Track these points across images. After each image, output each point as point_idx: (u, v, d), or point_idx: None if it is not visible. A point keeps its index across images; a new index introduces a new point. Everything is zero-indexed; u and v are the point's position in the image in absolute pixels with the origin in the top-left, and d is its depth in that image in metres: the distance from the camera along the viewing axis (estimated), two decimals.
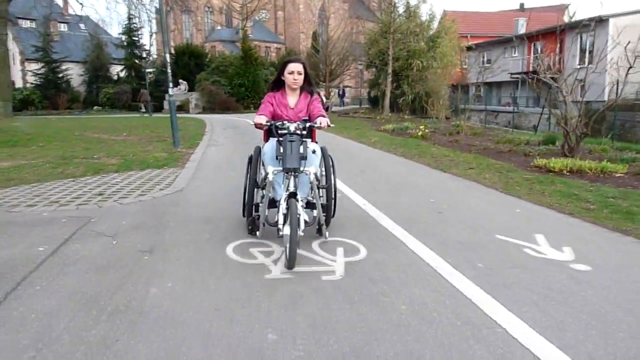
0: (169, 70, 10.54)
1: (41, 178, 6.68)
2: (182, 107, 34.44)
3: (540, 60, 12.75)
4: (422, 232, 4.19)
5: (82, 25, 46.22)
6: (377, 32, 24.97)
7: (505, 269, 3.35)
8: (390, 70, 23.41)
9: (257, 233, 3.88)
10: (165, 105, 39.21)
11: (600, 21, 29.04)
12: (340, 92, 35.42)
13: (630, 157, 8.04)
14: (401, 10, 24.64)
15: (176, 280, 3.10)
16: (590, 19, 32.01)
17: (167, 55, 10.48)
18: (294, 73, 3.92)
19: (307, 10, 65.79)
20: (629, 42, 9.98)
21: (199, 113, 33.06)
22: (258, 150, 4.05)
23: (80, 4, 40.36)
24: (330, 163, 4.02)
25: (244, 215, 4.17)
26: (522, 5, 58.08)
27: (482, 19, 43.09)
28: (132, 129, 16.08)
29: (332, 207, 4.10)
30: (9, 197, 5.47)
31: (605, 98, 29.48)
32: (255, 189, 4.00)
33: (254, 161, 3.99)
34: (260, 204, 3.90)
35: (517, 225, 4.49)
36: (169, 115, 10.88)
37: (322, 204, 3.86)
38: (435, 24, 25.38)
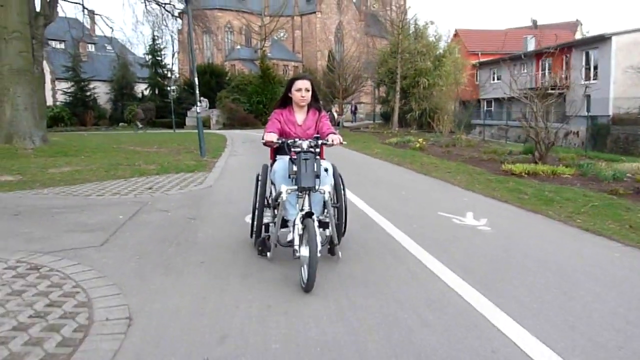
0: (197, 92, 12.47)
1: (99, 178, 8.55)
2: (204, 123, 36.37)
3: (515, 79, 14.24)
4: (385, 210, 5.88)
5: (108, 46, 49.13)
6: (387, 53, 26.91)
7: (433, 229, 5.03)
8: (398, 88, 25.20)
9: (268, 254, 3.83)
10: (187, 122, 41.69)
11: (604, 39, 30.49)
12: (353, 109, 37.25)
13: (585, 163, 9.56)
14: (410, 31, 26.43)
15: (214, 230, 4.86)
16: (594, 38, 33.49)
17: (196, 79, 12.40)
18: (302, 90, 3.95)
19: (323, 29, 68.18)
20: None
21: (219, 129, 35.17)
22: (266, 169, 4.05)
23: (111, 27, 43.17)
24: (340, 181, 4.02)
25: (251, 236, 4.24)
26: (535, 22, 59.70)
27: (493, 36, 44.70)
28: (161, 142, 18.07)
29: (343, 225, 4.12)
30: (81, 190, 7.31)
31: (610, 113, 30.83)
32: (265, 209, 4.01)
33: (262, 180, 3.98)
34: (271, 224, 3.95)
35: (458, 207, 6.16)
36: (191, 130, 12.77)
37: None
38: (442, 44, 27.11)
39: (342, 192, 3.98)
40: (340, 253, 3.88)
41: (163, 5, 32.20)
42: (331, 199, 3.80)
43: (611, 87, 30.03)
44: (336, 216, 3.92)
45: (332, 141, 3.71)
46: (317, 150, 3.65)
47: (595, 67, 31.36)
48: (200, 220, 5.35)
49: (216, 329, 2.68)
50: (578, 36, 50.50)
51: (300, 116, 4.06)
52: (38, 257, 3.88)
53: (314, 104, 4.10)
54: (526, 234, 4.93)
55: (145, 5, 33.25)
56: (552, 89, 34.70)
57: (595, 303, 3.09)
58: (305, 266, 3.26)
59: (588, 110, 31.96)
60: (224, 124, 37.82)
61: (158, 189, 7.44)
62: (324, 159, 4.01)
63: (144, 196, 6.82)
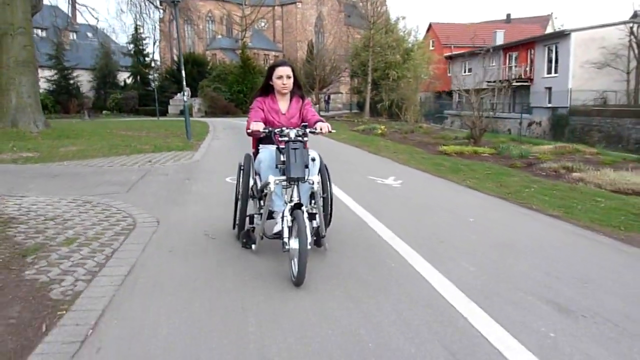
0: (184, 83, 14.35)
1: (104, 155, 10.48)
2: None
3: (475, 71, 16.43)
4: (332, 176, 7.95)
5: (90, 34, 50.27)
6: (359, 46, 28.96)
7: (360, 186, 7.11)
8: (370, 80, 27.31)
9: (254, 247, 3.81)
10: (170, 110, 43.29)
11: (563, 35, 32.91)
12: (326, 98, 39.23)
13: (503, 145, 11.70)
14: (380, 26, 28.49)
15: (203, 186, 6.89)
16: (555, 34, 35.93)
17: (183, 72, 14.31)
18: (283, 77, 3.87)
19: (304, 20, 69.89)
20: None
21: (201, 117, 36.88)
22: (249, 158, 4.00)
23: (96, 18, 44.30)
24: (326, 171, 3.99)
25: (234, 228, 4.24)
26: (508, 15, 62.26)
27: (466, 30, 46.93)
28: (149, 128, 19.91)
29: (329, 216, 4.13)
30: (93, 163, 9.25)
31: (569, 104, 33.32)
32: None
33: (246, 170, 3.94)
34: (256, 216, 3.92)
35: (386, 174, 8.25)
36: (173, 118, 14.68)
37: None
38: (411, 39, 29.24)
39: (328, 182, 3.98)
40: (327, 244, 3.86)
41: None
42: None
43: (570, 81, 32.45)
44: (322, 206, 3.80)
45: (321, 129, 3.67)
46: (306, 139, 3.59)
47: (557, 62, 33.73)
48: (193, 180, 7.38)
49: (211, 221, 4.72)
50: (549, 30, 53.12)
51: (283, 104, 4.00)
52: (86, 197, 5.87)
53: (297, 91, 4.06)
54: (425, 189, 7.07)
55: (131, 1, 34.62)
56: (517, 81, 37.32)
57: (453, 226, 5.22)
58: (295, 259, 3.19)
59: (551, 102, 34.55)
60: (205, 112, 39.56)
61: (156, 162, 9.42)
62: (308, 148, 3.81)
63: (146, 167, 8.80)
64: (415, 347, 2.45)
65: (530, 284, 3.32)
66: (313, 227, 3.64)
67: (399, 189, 6.99)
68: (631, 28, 30.34)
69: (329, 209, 4.07)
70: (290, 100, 4.04)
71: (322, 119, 3.87)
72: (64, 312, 2.77)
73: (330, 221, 4.17)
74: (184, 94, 14.54)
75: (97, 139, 14.32)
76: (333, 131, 3.77)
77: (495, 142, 13.40)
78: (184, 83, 14.31)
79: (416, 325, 2.68)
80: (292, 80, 3.92)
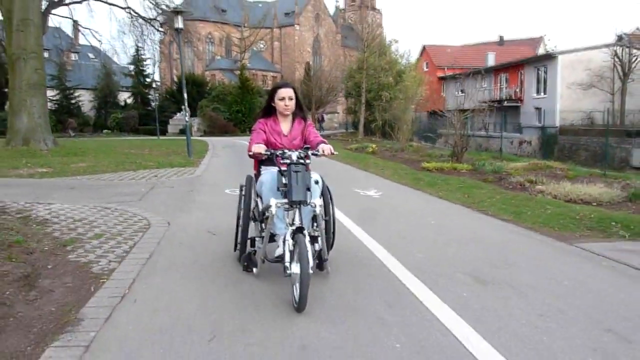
0: (186, 105, 15.40)
1: (113, 170, 11.46)
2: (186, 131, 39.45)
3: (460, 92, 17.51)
4: None
5: (91, 55, 51.71)
6: (353, 69, 30.24)
7: (345, 198, 8.06)
8: (364, 100, 28.49)
9: (255, 270, 3.80)
10: (169, 129, 44.44)
11: (551, 57, 34.25)
12: (320, 118, 40.40)
13: (481, 163, 12.67)
14: (374, 49, 29.78)
15: (205, 196, 7.86)
16: (543, 56, 37.28)
17: (185, 94, 15.37)
18: (285, 99, 3.90)
19: (301, 41, 71.64)
20: None
21: (200, 136, 37.97)
22: (250, 180, 4.02)
23: (99, 41, 45.90)
24: (329, 193, 3.99)
25: (235, 250, 4.24)
26: (501, 38, 63.90)
27: (459, 52, 48.46)
28: (151, 147, 20.92)
29: (332, 239, 4.09)
30: (105, 177, 10.22)
31: (557, 124, 34.50)
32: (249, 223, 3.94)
33: (247, 192, 3.96)
34: (257, 239, 3.93)
35: (369, 186, 9.24)
36: (173, 137, 15.70)
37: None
38: (404, 61, 30.51)
39: (331, 204, 3.97)
40: (329, 268, 3.85)
41: (149, 21, 34.95)
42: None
43: (558, 101, 33.72)
44: (325, 229, 3.81)
45: (323, 151, 3.67)
46: (308, 161, 3.56)
47: (545, 83, 35.03)
48: (196, 192, 8.36)
49: (212, 223, 5.67)
50: (541, 52, 54.68)
51: (285, 126, 4.02)
52: (105, 204, 6.84)
53: (299, 112, 4.07)
54: (401, 199, 8.06)
55: (132, 20, 35.85)
56: (508, 101, 38.55)
57: (416, 227, 6.19)
58: (297, 284, 3.16)
59: (541, 122, 35.73)
60: (204, 131, 40.67)
61: (161, 176, 10.41)
62: (310, 170, 3.82)
63: (153, 180, 9.78)
64: (361, 298, 3.42)
65: (462, 265, 4.29)
66: (315, 250, 3.61)
67: (377, 199, 7.97)
68: (615, 51, 31.64)
69: (332, 231, 4.03)
70: (293, 121, 4.06)
71: (324, 140, 3.87)
72: (105, 280, 3.73)
73: (332, 244, 4.11)
74: (185, 114, 15.58)
75: (104, 156, 15.32)
76: (335, 153, 3.81)
77: (477, 159, 14.40)
78: (186, 104, 15.36)
79: (368, 288, 3.65)
80: (294, 101, 3.96)
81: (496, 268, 4.24)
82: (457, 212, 6.96)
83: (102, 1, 33.76)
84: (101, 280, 3.72)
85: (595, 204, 7.45)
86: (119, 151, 17.82)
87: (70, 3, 34.38)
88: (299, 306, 3.13)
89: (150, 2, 33.23)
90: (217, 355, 2.62)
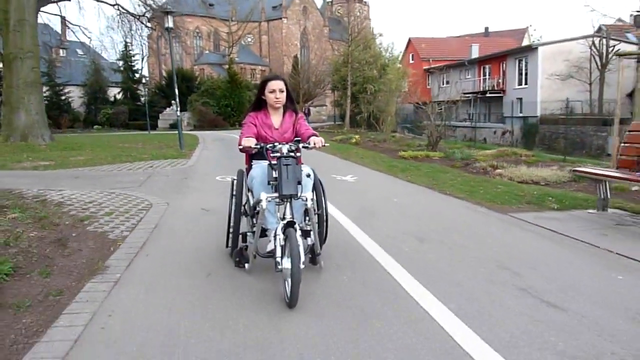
0: (177, 101, 16.29)
1: (110, 162, 12.36)
2: (176, 125, 40.26)
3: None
4: None
5: (79, 51, 52.23)
6: (339, 62, 31.21)
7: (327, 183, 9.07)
8: (349, 93, 29.48)
9: (247, 266, 3.82)
10: (159, 124, 45.20)
11: (531, 49, 35.37)
12: (306, 111, 41.33)
13: (452, 151, 13.69)
14: (359, 42, 30.74)
15: (197, 183, 8.83)
16: (524, 47, 38.35)
17: (176, 90, 16.24)
18: (276, 91, 3.89)
19: (289, 34, 72.35)
20: None
21: (190, 130, 38.80)
22: (242, 175, 4.00)
23: (89, 37, 46.43)
24: (321, 187, 4.02)
25: (227, 246, 4.25)
26: (486, 29, 65.09)
27: (444, 44, 49.55)
28: (143, 141, 21.79)
29: (324, 233, 4.09)
30: (103, 169, 11.14)
31: (538, 114, 35.70)
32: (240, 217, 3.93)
33: (238, 187, 3.93)
34: (249, 234, 3.92)
35: (346, 173, 10.23)
36: (163, 132, 16.59)
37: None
38: (387, 54, 31.50)
39: (323, 197, 3.99)
40: (322, 262, 3.89)
41: (138, 17, 35.60)
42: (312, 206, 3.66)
43: (539, 92, 34.88)
44: (317, 223, 3.85)
45: (314, 144, 3.68)
46: (298, 154, 3.58)
47: (526, 74, 36.16)
48: (189, 179, 9.32)
49: (205, 203, 6.63)
50: (525, 42, 55.82)
51: (276, 119, 4.02)
52: (109, 190, 7.79)
53: (290, 105, 4.08)
54: (373, 183, 9.07)
55: (120, 17, 36.47)
56: (491, 92, 39.65)
57: (381, 204, 7.20)
58: (288, 280, 3.16)
59: (522, 112, 36.91)
60: (194, 125, 41.49)
61: (156, 167, 11.35)
62: (302, 163, 3.90)
63: (149, 170, 10.72)
64: (325, 251, 4.43)
65: (411, 229, 5.31)
66: (308, 245, 3.69)
67: (352, 183, 8.98)
68: (593, 42, 32.79)
69: (325, 225, 4.04)
70: (284, 114, 4.06)
71: (315, 133, 3.88)
72: (121, 243, 4.70)
73: (325, 238, 4.15)
74: (177, 109, 16.49)
75: (100, 150, 16.21)
76: (327, 145, 3.83)
77: (451, 148, 15.46)
78: (177, 100, 16.25)
79: (333, 249, 4.65)
80: (285, 94, 3.95)
81: (436, 232, 5.26)
82: (419, 193, 7.99)
83: None
84: (118, 244, 4.69)
85: (543, 183, 8.51)
86: (113, 145, 18.70)
87: (59, 0, 34.93)
88: (290, 302, 3.15)
89: (144, 6, 33.80)
90: (212, 321, 3.58)
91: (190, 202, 6.93)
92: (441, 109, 17.12)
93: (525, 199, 6.98)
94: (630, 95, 34.98)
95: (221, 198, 5.93)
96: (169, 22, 15.38)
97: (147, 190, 7.91)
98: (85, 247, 4.53)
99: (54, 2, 33.92)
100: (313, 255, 3.85)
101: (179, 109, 16.66)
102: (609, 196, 6.02)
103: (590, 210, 6.15)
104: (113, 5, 34.33)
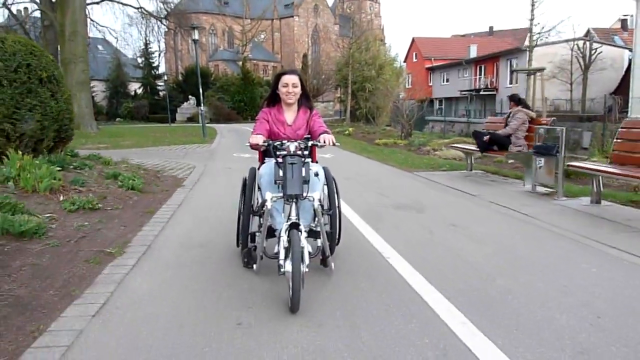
0: (202, 98, 20.62)
1: (153, 145, 16.71)
2: (193, 118, 44.83)
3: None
4: None
5: (100, 47, 57.00)
6: (341, 63, 35.48)
7: None
8: (350, 91, 33.69)
9: (254, 267, 3.71)
10: (177, 117, 49.78)
11: (521, 51, 39.23)
12: None
13: (413, 139, 17.76)
14: (361, 43, 34.93)
15: (220, 156, 13.14)
16: (514, 49, 42.16)
17: (201, 88, 20.56)
18: (289, 86, 3.85)
19: (301, 32, 76.66)
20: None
21: (207, 123, 43.28)
22: (253, 173, 3.95)
23: (115, 38, 51.36)
24: (334, 185, 3.95)
25: (238, 245, 4.17)
26: (491, 28, 68.71)
27: (445, 44, 53.47)
28: (168, 132, 26.25)
29: (337, 234, 4.00)
30: (151, 149, 15.47)
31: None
32: (251, 216, 3.86)
33: (249, 185, 3.88)
34: (257, 234, 3.84)
35: (326, 154, 14.44)
36: (183, 125, 20.88)
37: (325, 232, 3.61)
38: (385, 56, 35.64)
39: (335, 197, 3.90)
40: (333, 265, 3.77)
41: (160, 19, 40.11)
42: (322, 205, 3.64)
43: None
44: (329, 224, 3.80)
45: (324, 141, 3.61)
46: (307, 152, 3.53)
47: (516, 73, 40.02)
48: (215, 154, 13.64)
49: (228, 165, 10.89)
50: (527, 43, 59.51)
51: (290, 115, 3.99)
52: (165, 160, 12.08)
53: (305, 102, 4.04)
54: (342, 159, 13.29)
55: (143, 18, 40.94)
56: (484, 90, 43.49)
57: (340, 171, 11.45)
58: (290, 284, 3.09)
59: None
60: (210, 119, 45.97)
61: (189, 149, 15.68)
62: (316, 162, 4.04)
63: (184, 150, 15.05)
64: None
65: (349, 175, 9.52)
66: (318, 247, 3.68)
67: (328, 158, 13.20)
68: (577, 44, 36.57)
69: (337, 226, 3.96)
70: (298, 111, 4.01)
71: (327, 130, 3.84)
72: (186, 179, 8.99)
73: (339, 240, 4.11)
74: (201, 106, 20.84)
75: (138, 137, 20.62)
76: (337, 144, 3.74)
77: (420, 138, 19.58)
78: (202, 97, 20.61)
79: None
80: (298, 89, 3.91)
81: (360, 177, 9.47)
82: (370, 163, 12.21)
83: (118, 2, 38.51)
84: (184, 179, 8.97)
85: (457, 159, 12.65)
86: (147, 134, 23.15)
87: (89, 4, 39.57)
88: (292, 307, 3.07)
89: (162, 4, 38.09)
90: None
91: (218, 165, 11.24)
92: (413, 106, 21.19)
93: (431, 166, 11.16)
94: (614, 93, 38.87)
95: (237, 164, 10.12)
96: (195, 35, 19.66)
97: (189, 160, 12.23)
98: (169, 179, 8.84)
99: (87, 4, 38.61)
100: (324, 257, 3.79)
101: (202, 105, 21.04)
102: (473, 162, 10.19)
103: (463, 171, 10.31)
104: (137, 9, 38.84)
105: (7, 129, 7.03)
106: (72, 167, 7.52)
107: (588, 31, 42.76)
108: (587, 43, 37.39)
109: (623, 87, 38.25)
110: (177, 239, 4.90)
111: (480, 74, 44.54)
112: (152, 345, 2.69)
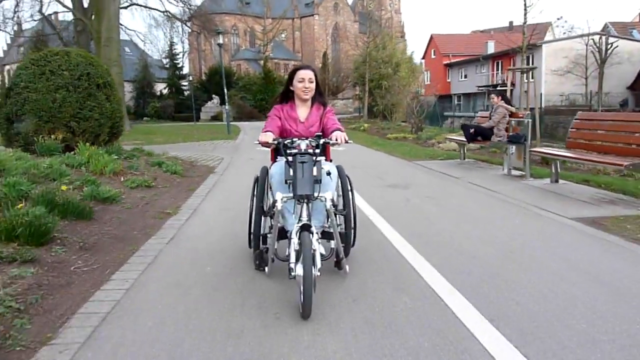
0: (227, 98, 22.38)
1: (184, 141, 18.50)
2: (217, 117, 46.85)
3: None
4: None
5: (127, 49, 59.48)
6: (359, 61, 36.97)
7: None
8: (367, 88, 35.17)
9: (266, 269, 3.65)
10: (202, 116, 51.89)
11: (536, 47, 40.17)
12: None
13: (421, 134, 19.19)
14: (378, 42, 36.42)
15: (244, 149, 14.84)
16: (529, 45, 43.02)
17: (225, 89, 22.32)
18: (305, 81, 3.77)
19: (321, 31, 78.27)
20: None
21: (230, 121, 45.25)
22: (265, 172, 3.87)
23: (143, 41, 53.94)
24: (348, 184, 3.84)
25: (250, 247, 4.10)
26: (511, 23, 69.20)
27: (463, 40, 54.47)
28: (195, 130, 28.13)
29: (352, 235, 3.90)
30: (182, 145, 17.25)
31: (542, 105, 40.48)
32: (263, 217, 3.79)
33: (260, 184, 3.82)
34: (269, 235, 3.72)
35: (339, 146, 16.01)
36: (206, 123, 22.73)
37: (339, 233, 3.54)
38: (401, 54, 37.02)
39: (350, 196, 3.78)
40: (347, 267, 3.67)
41: (184, 21, 42.10)
42: (336, 205, 3.56)
43: (543, 85, 39.66)
44: (343, 224, 3.72)
45: (337, 139, 3.49)
46: (318, 150, 3.33)
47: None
48: (239, 148, 15.34)
49: (251, 156, 12.55)
50: (548, 37, 60.10)
51: (303, 112, 3.91)
52: (196, 153, 13.82)
53: (319, 98, 3.96)
54: (354, 150, 14.83)
55: (169, 22, 42.97)
56: (501, 86, 44.47)
57: (353, 160, 13.05)
58: (301, 288, 2.94)
59: (529, 104, 41.59)
60: (233, 117, 47.86)
61: (216, 144, 17.43)
62: (330, 160, 3.97)
63: (212, 145, 16.79)
64: None
65: (356, 164, 11.09)
66: (332, 248, 3.62)
67: (342, 152, 14.77)
68: (592, 39, 37.41)
69: (352, 227, 3.84)
70: (311, 107, 3.93)
71: (341, 127, 3.75)
72: (217, 167, 10.69)
73: (354, 242, 4.03)
74: (226, 106, 22.60)
75: (168, 134, 22.49)
76: (350, 142, 3.61)
77: (431, 131, 20.99)
78: (226, 97, 22.39)
79: None
80: (314, 85, 3.83)
81: (366, 166, 11.03)
82: (376, 154, 13.76)
83: (144, 6, 40.53)
84: (214, 168, 10.65)
85: (457, 150, 14.09)
86: (176, 132, 25.05)
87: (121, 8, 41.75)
88: (303, 312, 2.96)
89: (185, 7, 39.94)
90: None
91: (242, 157, 12.94)
92: (420, 104, 22.61)
93: (430, 156, 12.66)
94: (630, 87, 39.59)
95: (260, 154, 11.75)
96: (220, 39, 21.41)
97: (217, 153, 13.95)
98: (202, 168, 10.55)
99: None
100: (338, 259, 3.67)
101: (227, 104, 22.82)
102: (465, 152, 11.67)
103: (457, 160, 11.78)
104: (163, 12, 40.86)
105: (73, 126, 8.81)
106: (123, 157, 9.27)
107: (605, 25, 43.40)
108: (603, 38, 38.15)
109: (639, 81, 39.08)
110: (213, 206, 6.61)
111: (497, 70, 45.52)
112: (201, 258, 4.35)
